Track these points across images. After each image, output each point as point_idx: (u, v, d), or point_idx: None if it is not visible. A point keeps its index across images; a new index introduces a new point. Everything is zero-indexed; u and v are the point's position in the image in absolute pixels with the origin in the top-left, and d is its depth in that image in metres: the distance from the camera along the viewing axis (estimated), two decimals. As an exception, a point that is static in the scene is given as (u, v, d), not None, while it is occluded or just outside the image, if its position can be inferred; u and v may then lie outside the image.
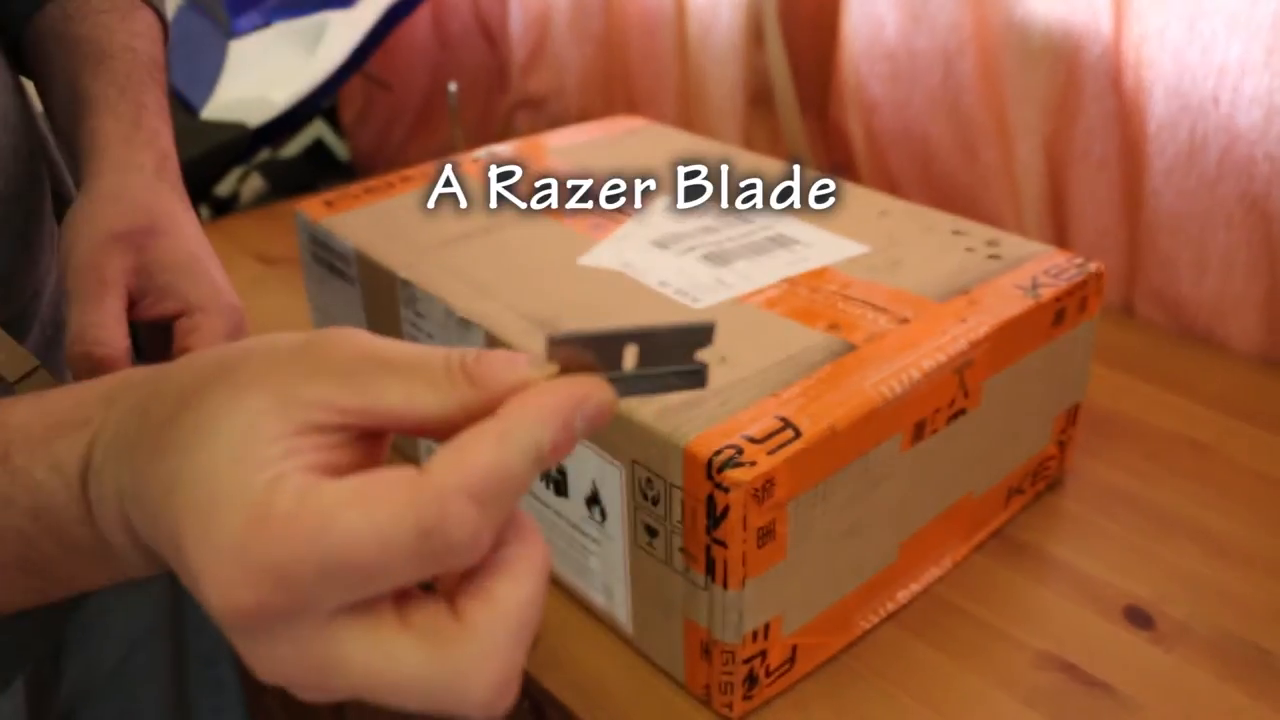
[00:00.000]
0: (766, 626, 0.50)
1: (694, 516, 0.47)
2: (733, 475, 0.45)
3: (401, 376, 0.27)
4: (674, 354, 0.29)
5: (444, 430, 0.27)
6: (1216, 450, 0.69)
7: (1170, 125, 0.77)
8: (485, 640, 0.25)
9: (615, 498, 0.51)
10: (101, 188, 0.50)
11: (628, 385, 0.28)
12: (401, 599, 0.26)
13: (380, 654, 0.25)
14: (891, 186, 1.00)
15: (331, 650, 0.24)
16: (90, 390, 0.31)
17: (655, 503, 0.49)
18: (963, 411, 0.55)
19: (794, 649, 0.52)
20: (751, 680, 0.51)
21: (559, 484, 0.55)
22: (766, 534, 0.47)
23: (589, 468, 0.52)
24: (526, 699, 0.56)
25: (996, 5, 0.84)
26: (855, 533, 0.52)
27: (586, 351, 0.27)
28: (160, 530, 0.26)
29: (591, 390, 0.27)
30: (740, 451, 0.46)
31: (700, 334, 0.29)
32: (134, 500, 0.27)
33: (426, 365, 0.27)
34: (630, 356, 0.28)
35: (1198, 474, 0.67)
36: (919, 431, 0.52)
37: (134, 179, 0.51)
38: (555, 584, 0.60)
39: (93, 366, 0.45)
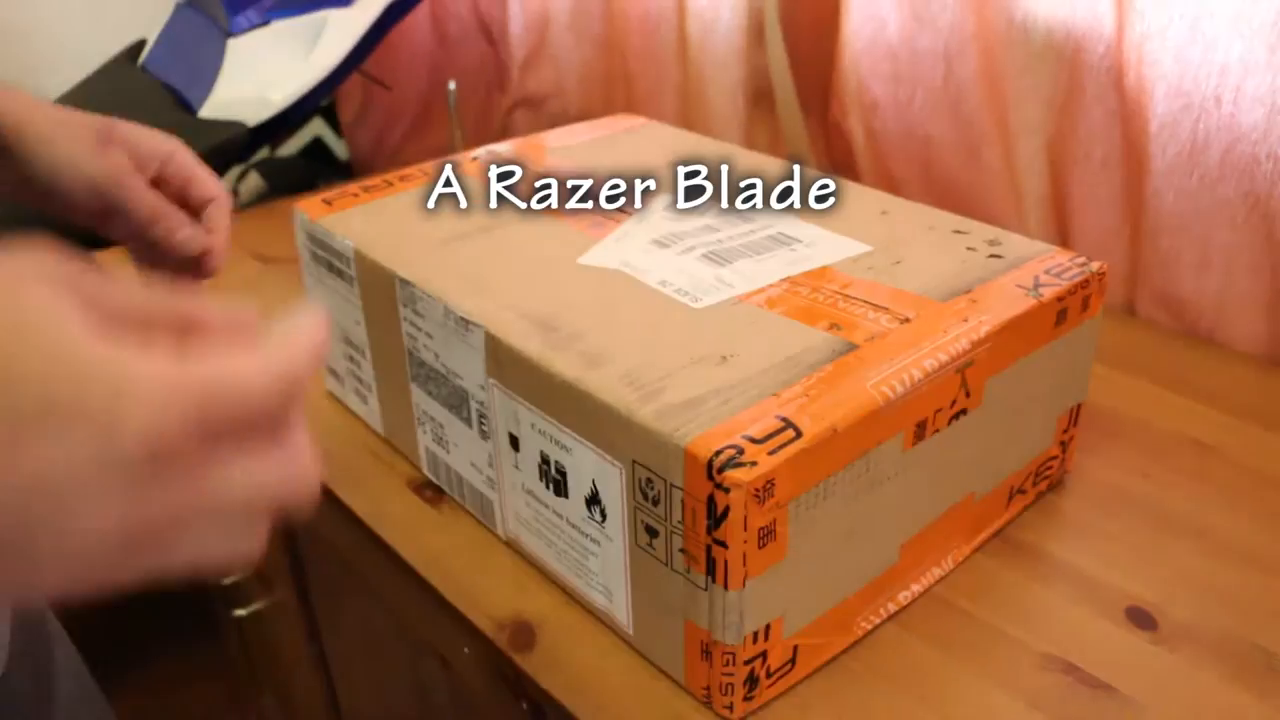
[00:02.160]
0: (767, 627, 0.50)
1: (694, 517, 0.47)
2: (733, 475, 0.45)
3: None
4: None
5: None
6: (1220, 450, 0.69)
7: (1172, 125, 0.77)
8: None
9: (615, 498, 0.51)
10: (43, 125, 0.54)
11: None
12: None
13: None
14: (892, 186, 0.99)
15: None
16: None
17: (655, 503, 0.49)
18: (964, 411, 0.54)
19: (795, 650, 0.52)
20: (752, 681, 0.51)
21: (559, 484, 0.55)
22: (767, 534, 0.47)
23: (589, 468, 0.52)
24: (525, 700, 0.56)
25: (998, 5, 0.84)
26: (856, 533, 0.52)
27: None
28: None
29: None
30: (741, 451, 0.45)
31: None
32: None
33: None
34: None
35: (1201, 474, 0.67)
36: (920, 431, 0.52)
37: (52, 111, 0.55)
38: (555, 584, 0.60)
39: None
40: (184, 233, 0.59)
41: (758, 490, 0.45)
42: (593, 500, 0.53)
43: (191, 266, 0.61)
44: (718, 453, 0.45)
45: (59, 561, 0.25)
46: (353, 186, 0.75)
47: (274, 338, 0.29)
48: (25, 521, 0.24)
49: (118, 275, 0.29)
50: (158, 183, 0.59)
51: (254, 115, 1.09)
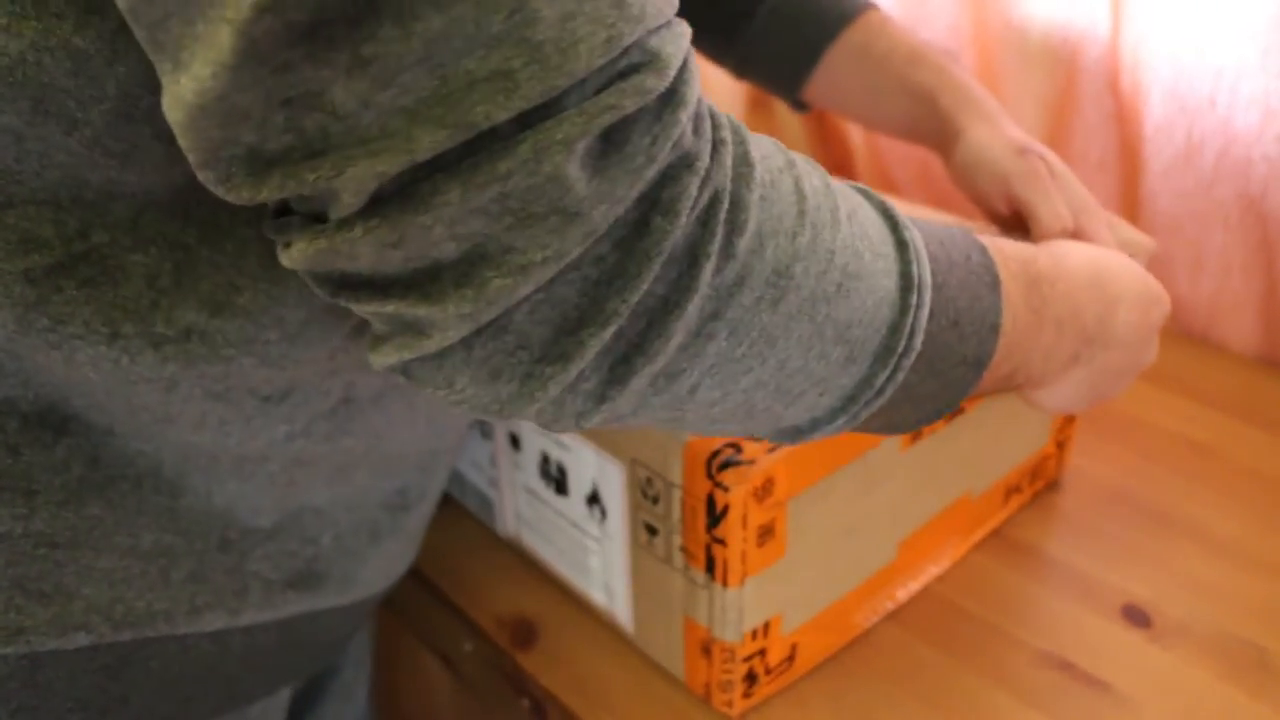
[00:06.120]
0: (766, 625, 0.50)
1: (694, 515, 0.47)
2: (732, 474, 0.45)
3: None
4: None
5: None
6: (1214, 449, 0.69)
7: (1167, 127, 0.77)
8: None
9: (615, 497, 0.52)
10: (978, 124, 0.61)
11: None
12: None
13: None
14: (891, 188, 1.00)
15: None
16: None
17: (655, 502, 0.49)
18: (961, 411, 0.55)
19: (793, 647, 0.52)
20: (751, 678, 0.51)
21: (559, 483, 0.55)
22: (766, 533, 0.47)
23: (589, 467, 0.53)
24: (527, 697, 0.56)
25: (995, 7, 0.85)
26: (854, 532, 0.52)
27: None
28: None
29: None
30: (740, 451, 0.46)
31: None
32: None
33: None
34: None
35: (1195, 473, 0.67)
36: (917, 431, 0.53)
37: (989, 110, 0.61)
38: (556, 582, 0.60)
39: None
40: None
41: (757, 489, 0.45)
42: (593, 499, 0.53)
43: None
44: (717, 452, 0.46)
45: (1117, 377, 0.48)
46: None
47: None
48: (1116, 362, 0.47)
49: None
50: None
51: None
